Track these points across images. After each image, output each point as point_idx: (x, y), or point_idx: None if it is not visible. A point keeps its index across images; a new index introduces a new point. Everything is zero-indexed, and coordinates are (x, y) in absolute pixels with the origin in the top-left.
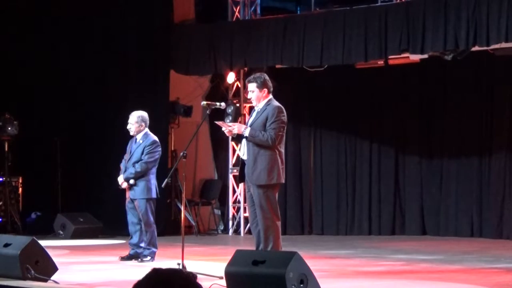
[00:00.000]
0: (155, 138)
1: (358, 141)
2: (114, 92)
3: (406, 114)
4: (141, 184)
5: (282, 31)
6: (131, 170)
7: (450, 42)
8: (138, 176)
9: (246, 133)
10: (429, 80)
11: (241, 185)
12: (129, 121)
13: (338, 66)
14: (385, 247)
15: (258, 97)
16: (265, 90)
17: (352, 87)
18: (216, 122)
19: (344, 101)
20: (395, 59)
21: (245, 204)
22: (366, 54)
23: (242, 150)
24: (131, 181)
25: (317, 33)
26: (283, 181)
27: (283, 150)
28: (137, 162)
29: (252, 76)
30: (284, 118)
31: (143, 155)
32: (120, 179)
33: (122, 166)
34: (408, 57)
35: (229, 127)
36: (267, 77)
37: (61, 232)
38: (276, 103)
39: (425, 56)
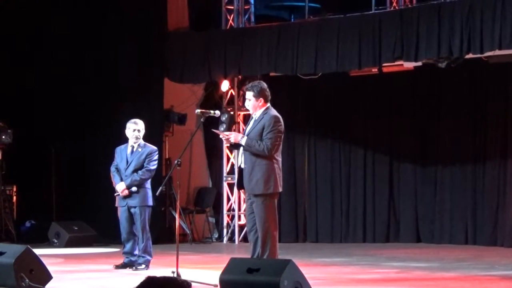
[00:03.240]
0: (155, 147)
1: (352, 149)
2: (108, 101)
3: (400, 122)
4: (142, 191)
5: (276, 39)
6: (135, 177)
7: (444, 49)
8: (141, 184)
9: (243, 142)
10: (423, 87)
11: (236, 193)
12: (139, 128)
13: (332, 74)
14: (379, 254)
15: (254, 106)
16: (261, 99)
17: (346, 95)
18: (214, 131)
19: (338, 109)
20: (389, 67)
21: (240, 212)
22: (360, 62)
23: (240, 159)
24: (134, 189)
25: (311, 41)
26: (280, 190)
27: (280, 159)
28: (139, 169)
29: (250, 84)
30: (281, 127)
31: (145, 163)
32: (121, 186)
33: (114, 173)
34: (402, 64)
35: (226, 136)
36: (264, 86)
37: (56, 241)
38: (273, 112)
39: (419, 63)
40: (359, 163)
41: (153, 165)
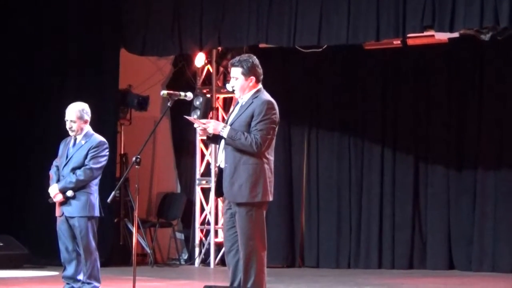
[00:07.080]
0: (102, 138)
1: (366, 145)
2: (46, 79)
3: (430, 110)
4: (82, 197)
5: (268, 0)
6: (71, 179)
7: (488, 17)
8: (79, 187)
9: (224, 134)
10: (460, 66)
11: (212, 200)
12: (69, 117)
13: (341, 46)
14: (400, 284)
15: (242, 86)
16: (253, 78)
17: (359, 73)
18: (187, 117)
19: (348, 92)
20: (416, 39)
21: (217, 227)
22: (378, 31)
23: (220, 157)
24: (69, 193)
25: (315, 3)
26: (270, 198)
27: (272, 158)
28: (78, 168)
29: (237, 59)
30: (275, 116)
31: (87, 160)
32: (54, 189)
33: (53, 173)
34: (433, 36)
35: (202, 125)
36: (256, 61)
37: None
38: (266, 96)
39: (455, 35)
40: (375, 164)
41: (97, 163)
